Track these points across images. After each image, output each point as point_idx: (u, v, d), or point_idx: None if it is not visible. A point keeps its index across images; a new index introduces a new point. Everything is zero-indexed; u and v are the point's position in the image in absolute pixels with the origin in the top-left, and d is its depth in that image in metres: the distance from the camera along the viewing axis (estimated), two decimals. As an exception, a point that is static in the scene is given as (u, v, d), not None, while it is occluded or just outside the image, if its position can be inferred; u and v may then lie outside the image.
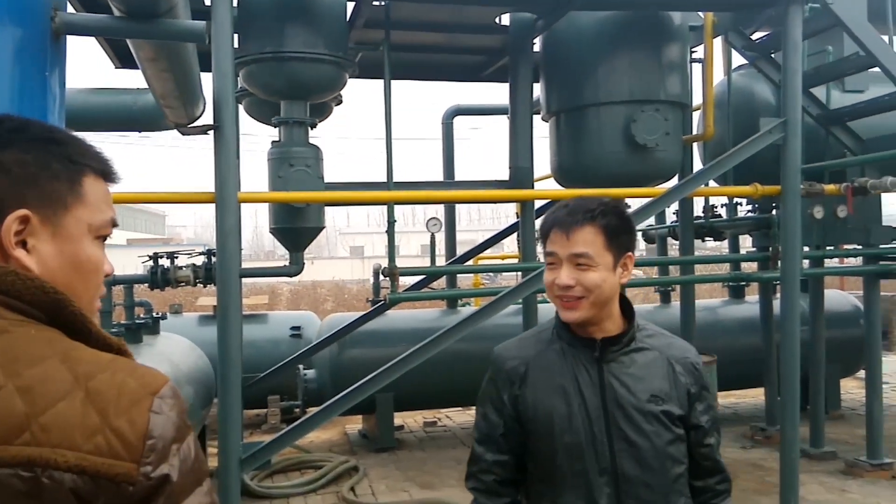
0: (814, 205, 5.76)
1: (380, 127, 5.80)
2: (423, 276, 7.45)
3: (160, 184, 45.75)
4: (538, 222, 1.92)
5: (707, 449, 1.86)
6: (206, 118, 4.95)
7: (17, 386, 0.87)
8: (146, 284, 5.97)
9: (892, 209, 7.00)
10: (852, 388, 8.56)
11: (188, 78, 4.79)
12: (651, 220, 8.09)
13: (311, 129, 5.62)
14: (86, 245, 1.03)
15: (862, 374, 7.38)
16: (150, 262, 6.02)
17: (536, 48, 6.35)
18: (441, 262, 8.58)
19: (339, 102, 6.57)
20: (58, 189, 1.00)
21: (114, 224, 1.07)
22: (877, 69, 5.45)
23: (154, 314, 5.87)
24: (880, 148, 5.88)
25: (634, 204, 5.92)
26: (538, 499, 1.81)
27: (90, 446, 0.86)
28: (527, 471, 1.84)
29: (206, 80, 4.85)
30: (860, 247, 6.16)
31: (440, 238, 8.65)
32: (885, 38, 5.35)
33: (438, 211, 9.19)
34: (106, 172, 1.07)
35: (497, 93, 7.01)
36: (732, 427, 7.49)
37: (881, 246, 6.05)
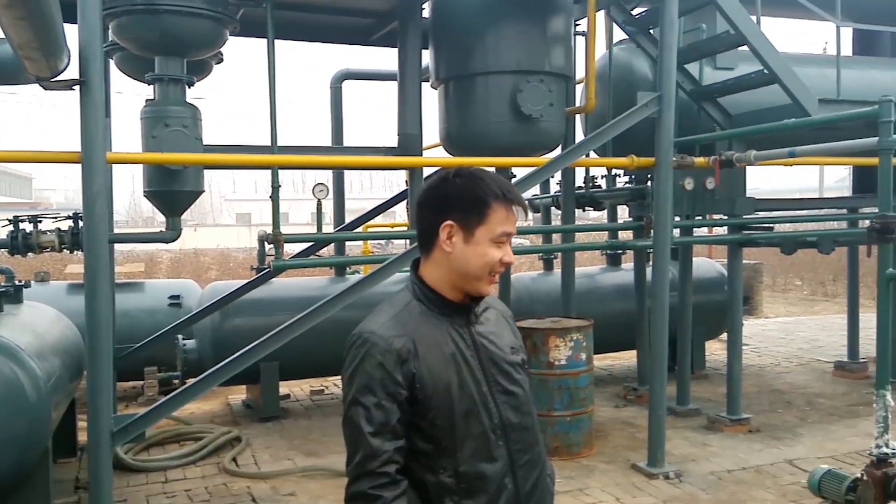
0: (685, 177, 6.06)
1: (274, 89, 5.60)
2: (311, 244, 7.34)
3: (25, 143, 42.50)
4: (473, 191, 1.78)
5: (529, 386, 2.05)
6: (73, 72, 4.61)
7: None
8: (5, 250, 5.55)
9: (766, 184, 7.47)
10: (716, 350, 9.19)
11: (49, 28, 4.41)
12: (536, 190, 8.31)
13: (189, 87, 5.37)
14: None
15: (725, 336, 7.92)
16: (11, 227, 5.60)
17: (426, 14, 6.31)
18: (330, 230, 8.47)
19: (220, 61, 6.29)
20: None
21: None
22: (745, 48, 5.78)
23: (17, 282, 5.47)
24: (746, 123, 6.25)
25: (519, 173, 6.06)
26: (434, 472, 1.75)
27: None
28: (412, 450, 1.76)
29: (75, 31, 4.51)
30: (726, 217, 6.56)
31: (329, 205, 8.52)
32: (754, 17, 5.65)
33: (328, 178, 9.04)
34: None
35: (389, 58, 6.91)
36: (607, 387, 7.88)
37: (744, 216, 6.47)
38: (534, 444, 1.88)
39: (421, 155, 6.47)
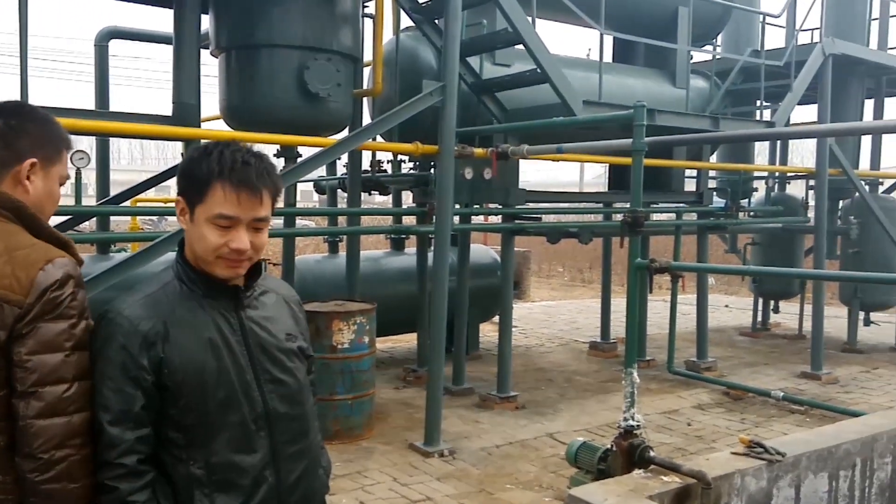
0: (465, 166, 6.30)
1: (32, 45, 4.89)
2: (69, 217, 6.59)
3: None
4: (195, 167, 1.67)
5: (314, 375, 1.98)
6: None
7: None
8: None
9: (534, 176, 7.96)
10: (488, 332, 9.72)
11: None
12: (322, 171, 8.18)
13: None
14: (57, 187, 1.78)
15: (497, 318, 8.40)
16: None
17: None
18: (92, 202, 7.69)
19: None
20: (53, 151, 1.76)
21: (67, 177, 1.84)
22: (521, 46, 6.11)
23: None
24: (521, 118, 6.64)
25: (305, 152, 5.91)
26: (186, 464, 1.65)
27: (3, 285, 1.55)
28: (162, 440, 1.66)
29: None
30: (501, 206, 6.93)
31: (91, 175, 7.72)
32: (529, 18, 5.99)
33: (91, 145, 8.17)
34: (69, 149, 1.81)
35: (164, 19, 6.36)
36: (388, 370, 8.01)
37: (517, 206, 6.88)
38: (303, 435, 1.81)
39: (199, 126, 6.05)
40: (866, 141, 10.13)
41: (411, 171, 7.48)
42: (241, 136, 5.76)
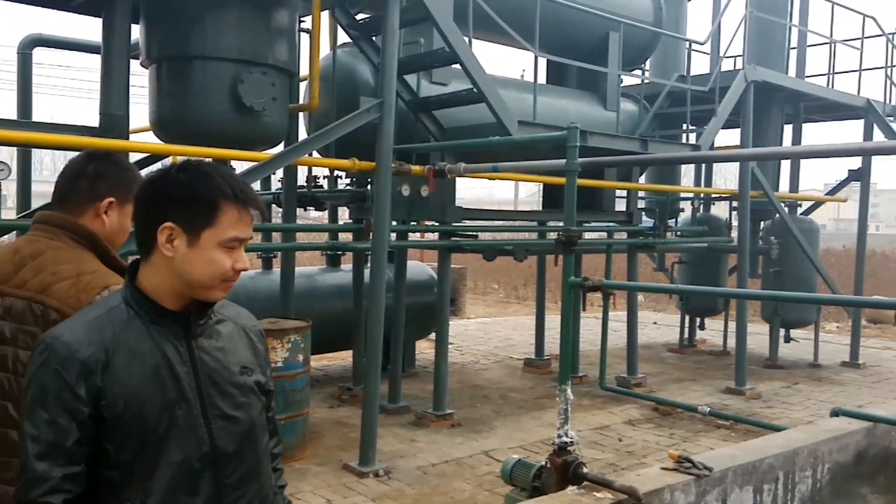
0: (402, 183, 6.31)
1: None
2: (-16, 232, 6.28)
3: None
4: (199, 189, 1.56)
5: (272, 412, 1.86)
6: None
7: (51, 272, 1.87)
8: None
9: (469, 193, 8.01)
10: (424, 349, 9.71)
11: None
12: (257, 186, 8.05)
13: None
14: (129, 223, 2.02)
15: (433, 335, 8.39)
16: None
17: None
18: (12, 215, 7.35)
19: None
20: (128, 193, 1.98)
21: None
22: (458, 66, 6.17)
23: None
24: (457, 137, 6.70)
25: (239, 167, 5.80)
26: None
27: (67, 304, 1.81)
28: (97, 479, 1.54)
29: None
30: (438, 224, 6.95)
31: (11, 187, 7.40)
32: (466, 39, 6.06)
33: (12, 156, 7.83)
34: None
35: (94, 29, 6.16)
36: (323, 388, 7.90)
37: (454, 224, 6.91)
38: (254, 478, 1.67)
39: (127, 138, 5.88)
40: (786, 164, 10.62)
41: (348, 187, 7.44)
42: (173, 150, 5.63)
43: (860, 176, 10.55)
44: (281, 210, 7.38)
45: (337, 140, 5.74)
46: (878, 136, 10.22)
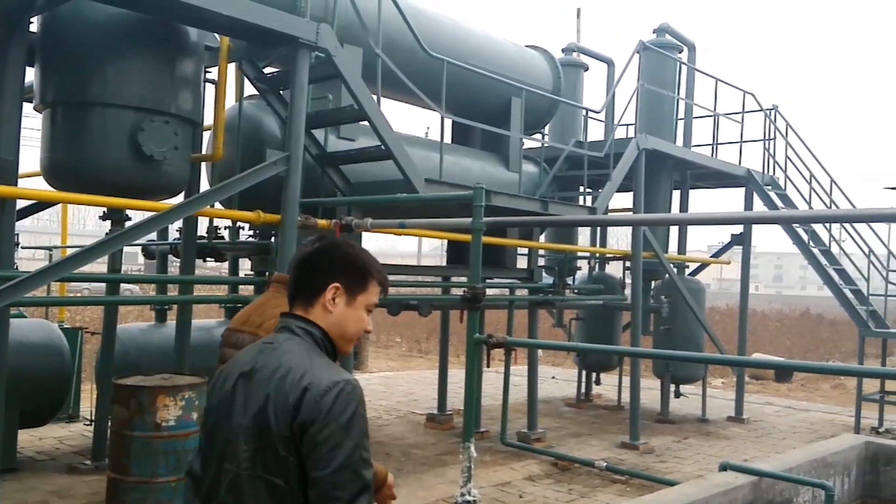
0: (307, 236, 6.26)
1: None
2: None
3: None
4: (361, 261, 1.96)
5: None
6: None
7: (268, 314, 2.85)
8: None
9: (372, 245, 8.01)
10: (326, 404, 9.48)
11: None
12: (153, 236, 7.77)
13: None
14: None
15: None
16: None
17: (35, 28, 5.57)
18: None
19: None
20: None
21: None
22: (366, 122, 6.25)
23: None
24: (364, 192, 6.74)
25: (136, 217, 5.61)
26: None
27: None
28: None
29: None
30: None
31: None
32: (375, 97, 6.17)
33: None
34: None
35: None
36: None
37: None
38: None
39: (16, 184, 5.59)
40: (674, 228, 11.24)
41: (250, 239, 7.31)
42: (65, 198, 5.40)
43: (742, 240, 11.30)
44: (178, 260, 7.15)
45: (241, 191, 5.66)
46: (758, 204, 11.02)
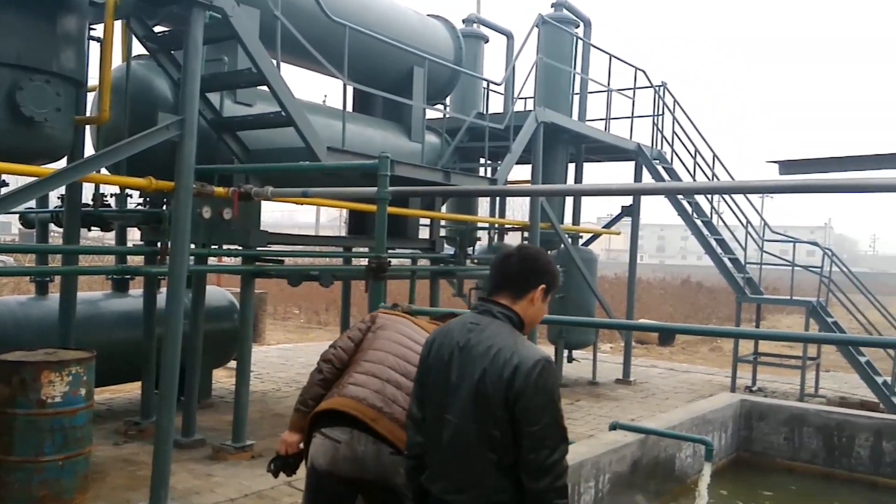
0: (203, 205, 6.04)
1: None
2: None
3: None
4: (556, 269, 2.63)
5: None
6: None
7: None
8: None
9: (269, 216, 7.84)
10: (221, 378, 9.28)
11: None
12: (31, 204, 7.28)
13: None
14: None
15: (232, 363, 8.06)
16: None
17: None
18: None
19: None
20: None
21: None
22: (265, 87, 6.06)
23: None
24: (263, 159, 6.56)
25: (14, 182, 5.24)
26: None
27: None
28: None
29: None
30: (241, 247, 6.72)
31: None
32: (274, 61, 5.98)
33: None
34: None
35: None
36: (106, 424, 7.27)
37: (258, 248, 6.73)
38: None
39: None
40: (569, 200, 11.60)
41: (139, 207, 6.98)
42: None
43: (631, 212, 11.80)
44: (61, 229, 6.74)
45: (131, 157, 5.37)
46: (647, 176, 11.52)
